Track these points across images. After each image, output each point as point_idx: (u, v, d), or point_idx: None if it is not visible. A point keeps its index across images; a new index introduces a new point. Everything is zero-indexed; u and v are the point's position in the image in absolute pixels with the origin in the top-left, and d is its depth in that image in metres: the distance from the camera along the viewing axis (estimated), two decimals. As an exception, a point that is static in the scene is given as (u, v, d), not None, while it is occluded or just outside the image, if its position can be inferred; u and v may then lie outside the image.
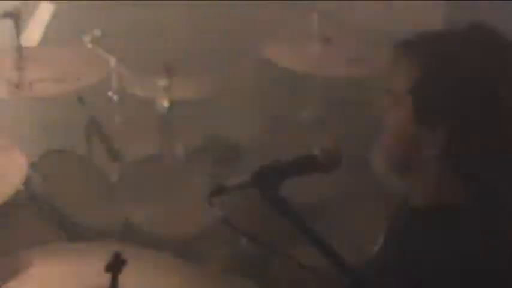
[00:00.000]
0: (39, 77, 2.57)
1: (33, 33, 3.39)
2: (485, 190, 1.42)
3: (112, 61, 3.11)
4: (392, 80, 1.48)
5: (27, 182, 2.36)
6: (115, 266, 1.39)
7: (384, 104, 1.50)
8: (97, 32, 3.12)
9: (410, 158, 1.46)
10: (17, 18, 2.54)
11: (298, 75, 3.14)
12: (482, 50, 1.42)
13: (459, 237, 1.36)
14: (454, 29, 1.47)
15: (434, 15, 3.32)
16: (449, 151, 1.40)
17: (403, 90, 1.44)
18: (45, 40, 3.44)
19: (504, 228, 1.40)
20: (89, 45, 3.11)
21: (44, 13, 3.46)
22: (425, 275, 1.35)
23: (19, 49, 2.57)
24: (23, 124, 3.47)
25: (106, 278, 1.41)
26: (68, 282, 1.65)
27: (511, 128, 1.40)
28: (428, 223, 1.43)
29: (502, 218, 1.41)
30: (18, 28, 2.55)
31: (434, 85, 1.40)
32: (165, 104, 3.09)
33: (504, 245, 1.38)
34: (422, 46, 1.45)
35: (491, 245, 1.35)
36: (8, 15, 2.53)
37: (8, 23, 2.53)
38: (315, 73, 3.13)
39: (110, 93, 3.17)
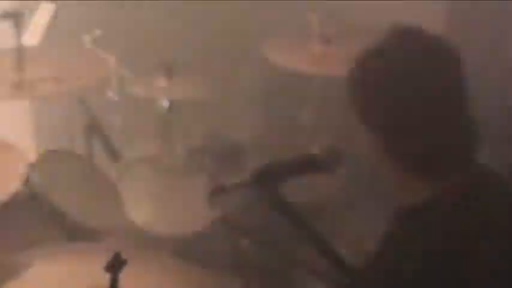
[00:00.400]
0: (39, 77, 2.57)
1: (33, 33, 3.38)
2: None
3: (112, 61, 3.11)
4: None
5: (27, 182, 2.36)
6: (115, 266, 1.40)
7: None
8: (97, 32, 3.12)
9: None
10: (17, 18, 2.53)
11: (298, 75, 3.14)
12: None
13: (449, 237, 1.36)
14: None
15: (434, 15, 3.31)
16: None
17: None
18: (45, 40, 3.44)
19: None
20: (89, 45, 3.11)
21: (44, 13, 3.46)
22: (422, 275, 1.35)
23: (19, 49, 2.57)
24: (23, 124, 3.47)
25: (106, 278, 1.41)
26: (68, 282, 1.65)
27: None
28: (420, 223, 1.42)
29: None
30: (18, 28, 2.55)
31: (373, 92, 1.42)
32: (165, 104, 3.09)
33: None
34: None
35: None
36: (8, 15, 2.53)
37: (8, 23, 2.53)
38: (315, 73, 3.12)
39: (110, 93, 3.17)
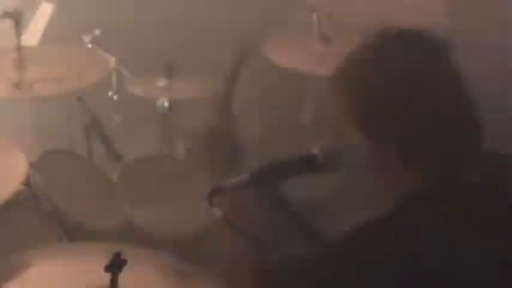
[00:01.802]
0: (40, 76, 2.57)
1: (33, 33, 3.38)
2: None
3: (112, 61, 3.11)
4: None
5: (27, 182, 2.36)
6: (115, 266, 1.40)
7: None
8: (97, 32, 3.12)
9: None
10: (17, 18, 2.53)
11: (298, 75, 3.14)
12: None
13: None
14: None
15: (434, 16, 3.32)
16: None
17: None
18: (45, 40, 3.44)
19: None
20: (89, 45, 3.11)
21: (44, 13, 3.46)
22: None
23: (19, 49, 2.57)
24: (23, 124, 3.47)
25: (106, 278, 1.41)
26: (68, 282, 1.65)
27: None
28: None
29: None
30: (18, 28, 2.55)
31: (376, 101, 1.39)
32: (165, 104, 3.09)
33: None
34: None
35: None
36: (8, 15, 2.53)
37: (8, 23, 2.53)
38: (315, 73, 3.12)
39: (110, 93, 3.17)
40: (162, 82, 3.04)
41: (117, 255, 1.40)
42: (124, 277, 1.42)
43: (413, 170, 1.40)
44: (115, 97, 3.20)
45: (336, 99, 1.43)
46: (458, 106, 1.40)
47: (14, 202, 2.19)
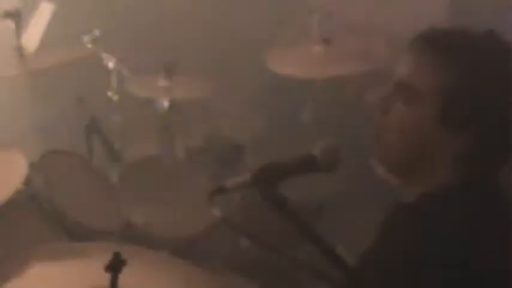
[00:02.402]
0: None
1: (33, 33, 3.38)
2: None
3: (112, 61, 3.11)
4: (408, 76, 1.45)
5: (27, 182, 2.36)
6: (115, 266, 1.39)
7: (389, 101, 1.47)
8: (97, 32, 3.12)
9: (423, 158, 1.45)
10: (17, 18, 2.54)
11: (298, 75, 3.14)
12: (501, 55, 1.44)
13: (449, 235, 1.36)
14: (469, 31, 1.45)
15: (435, 16, 3.31)
16: (473, 154, 1.41)
17: (429, 88, 1.42)
18: (45, 40, 3.44)
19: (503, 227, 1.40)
20: (89, 45, 3.11)
21: (44, 13, 3.46)
22: (418, 273, 1.35)
23: (19, 49, 2.57)
24: (23, 124, 3.47)
25: (106, 278, 1.41)
26: (68, 282, 1.65)
27: None
28: (420, 220, 1.43)
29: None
30: (18, 28, 2.55)
31: (466, 87, 1.39)
32: (165, 104, 3.09)
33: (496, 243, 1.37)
34: (452, 45, 1.43)
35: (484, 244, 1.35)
36: (8, 15, 2.53)
37: (8, 23, 2.53)
38: (315, 73, 3.13)
39: (109, 93, 3.18)
40: (162, 82, 3.04)
41: (117, 255, 1.40)
42: (124, 277, 1.42)
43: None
44: (115, 97, 3.20)
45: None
46: None
47: (14, 202, 2.19)
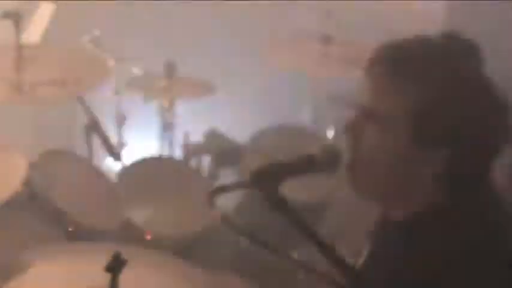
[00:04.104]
0: (39, 77, 2.57)
1: (33, 33, 3.38)
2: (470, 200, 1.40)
3: (112, 61, 3.11)
4: (371, 102, 1.39)
5: (27, 182, 2.36)
6: (115, 266, 1.40)
7: (358, 127, 1.41)
8: (97, 32, 3.12)
9: (402, 181, 1.40)
10: (17, 18, 2.53)
11: (298, 75, 3.14)
12: (465, 58, 1.38)
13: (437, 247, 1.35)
14: (426, 39, 1.39)
15: (435, 16, 3.32)
16: (451, 170, 1.36)
17: (395, 111, 1.35)
18: (45, 40, 3.44)
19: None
20: (89, 45, 3.11)
21: (44, 13, 3.46)
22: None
23: (19, 49, 2.56)
24: (23, 124, 3.47)
25: (106, 278, 1.41)
26: (68, 282, 1.65)
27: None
28: (410, 234, 1.41)
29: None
30: (18, 28, 2.55)
31: (433, 102, 1.33)
32: (165, 104, 3.09)
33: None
34: (408, 64, 1.36)
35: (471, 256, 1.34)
36: (8, 15, 2.53)
37: (8, 23, 2.53)
38: (315, 73, 3.13)
39: (110, 93, 3.18)
40: (162, 82, 3.04)
41: (117, 255, 1.40)
42: (124, 277, 1.42)
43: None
44: (115, 97, 3.20)
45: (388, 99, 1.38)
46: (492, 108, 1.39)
47: (14, 202, 2.19)
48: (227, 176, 2.99)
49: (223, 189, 1.50)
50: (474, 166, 1.38)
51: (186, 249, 2.53)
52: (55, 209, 2.44)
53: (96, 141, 2.88)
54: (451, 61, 1.37)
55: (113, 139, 3.00)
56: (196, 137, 3.26)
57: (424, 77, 1.34)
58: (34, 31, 3.37)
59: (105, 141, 2.85)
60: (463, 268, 1.31)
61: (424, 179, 1.38)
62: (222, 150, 3.17)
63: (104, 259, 1.40)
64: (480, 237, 1.35)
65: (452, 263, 1.32)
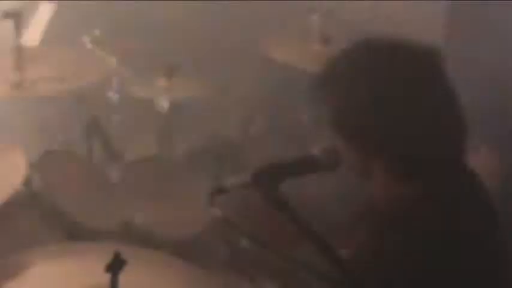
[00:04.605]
0: (39, 77, 2.57)
1: (33, 33, 3.38)
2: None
3: (112, 61, 3.11)
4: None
5: (27, 182, 2.36)
6: (115, 266, 1.40)
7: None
8: (97, 32, 3.12)
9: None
10: (17, 18, 2.53)
11: (298, 75, 3.14)
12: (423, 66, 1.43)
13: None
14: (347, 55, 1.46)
15: (434, 16, 3.31)
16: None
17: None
18: (45, 40, 3.44)
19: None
20: (89, 45, 3.11)
21: (44, 13, 3.46)
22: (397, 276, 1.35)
23: (19, 49, 2.56)
24: (23, 124, 3.47)
25: (106, 278, 1.41)
26: (68, 282, 1.65)
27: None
28: (393, 224, 1.43)
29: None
30: (18, 28, 2.55)
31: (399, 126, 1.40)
32: (165, 104, 3.09)
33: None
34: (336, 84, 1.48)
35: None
36: (8, 15, 2.53)
37: (8, 23, 2.53)
38: (315, 73, 3.12)
39: (110, 93, 3.18)
40: (162, 82, 3.04)
41: (117, 255, 1.40)
42: (124, 277, 1.42)
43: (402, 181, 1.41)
44: (115, 97, 3.20)
45: (318, 108, 1.44)
46: (444, 115, 1.41)
47: (14, 202, 2.19)
48: (227, 176, 3.00)
49: (223, 189, 1.51)
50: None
51: (186, 249, 2.53)
52: (55, 209, 2.45)
53: (97, 141, 2.89)
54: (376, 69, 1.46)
55: (113, 139, 3.00)
56: (196, 137, 3.26)
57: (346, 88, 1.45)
58: (34, 31, 3.37)
59: (106, 141, 2.85)
60: (443, 256, 1.33)
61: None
62: (222, 150, 3.17)
63: (104, 259, 1.40)
64: (456, 224, 1.37)
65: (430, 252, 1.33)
